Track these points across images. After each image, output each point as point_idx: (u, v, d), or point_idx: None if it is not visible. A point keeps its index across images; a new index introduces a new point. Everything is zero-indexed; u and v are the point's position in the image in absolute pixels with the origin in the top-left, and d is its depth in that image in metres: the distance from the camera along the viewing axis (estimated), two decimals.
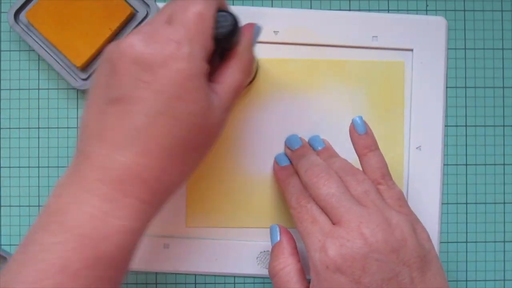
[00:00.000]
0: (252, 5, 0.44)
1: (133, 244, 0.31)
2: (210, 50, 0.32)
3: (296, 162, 0.39)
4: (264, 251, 0.43)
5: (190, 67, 0.31)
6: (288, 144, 0.42)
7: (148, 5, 0.42)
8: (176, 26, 0.31)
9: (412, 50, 0.43)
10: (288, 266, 0.36)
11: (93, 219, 0.30)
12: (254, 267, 0.43)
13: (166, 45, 0.31)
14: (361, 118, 0.39)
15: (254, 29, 0.36)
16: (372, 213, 0.34)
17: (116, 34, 0.42)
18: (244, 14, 0.43)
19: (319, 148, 0.41)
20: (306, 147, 0.41)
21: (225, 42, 0.34)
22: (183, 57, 0.30)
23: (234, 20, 0.33)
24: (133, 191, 0.31)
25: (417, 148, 0.43)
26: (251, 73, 0.35)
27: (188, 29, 0.31)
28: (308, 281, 0.36)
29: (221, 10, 0.33)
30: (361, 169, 0.38)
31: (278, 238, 0.38)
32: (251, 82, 0.42)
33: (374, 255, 0.32)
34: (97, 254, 0.30)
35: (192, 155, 0.33)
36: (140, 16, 0.42)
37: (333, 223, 0.34)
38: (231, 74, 0.34)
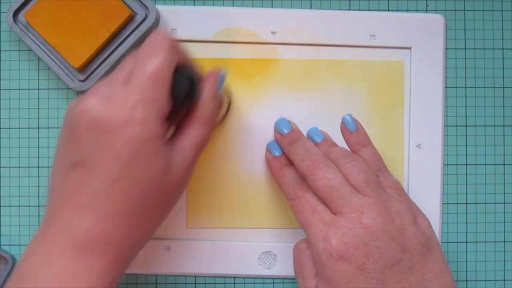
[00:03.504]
0: (252, 5, 0.44)
1: None
2: (166, 111, 0.33)
3: (288, 149, 0.39)
4: (266, 252, 0.43)
5: (144, 132, 0.31)
6: (277, 128, 0.41)
7: (147, 8, 0.42)
8: (132, 88, 0.31)
9: (410, 48, 0.43)
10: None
11: (62, 279, 0.31)
12: (256, 268, 0.43)
13: (121, 109, 0.31)
14: (350, 116, 0.39)
15: (219, 78, 0.36)
16: (373, 203, 0.34)
17: (114, 36, 0.41)
18: (244, 15, 0.43)
19: (318, 140, 0.40)
20: (296, 131, 0.40)
21: (184, 101, 0.34)
22: (137, 122, 0.31)
23: (191, 82, 0.34)
24: (98, 252, 0.31)
25: (417, 146, 0.43)
26: (214, 124, 0.36)
27: (143, 91, 0.31)
28: None
29: (182, 66, 0.34)
30: None
31: None
32: (224, 118, 0.43)
33: (376, 243, 0.33)
34: None
35: (155, 213, 0.34)
36: (138, 18, 0.42)
37: (334, 213, 0.35)
38: (192, 130, 0.34)
